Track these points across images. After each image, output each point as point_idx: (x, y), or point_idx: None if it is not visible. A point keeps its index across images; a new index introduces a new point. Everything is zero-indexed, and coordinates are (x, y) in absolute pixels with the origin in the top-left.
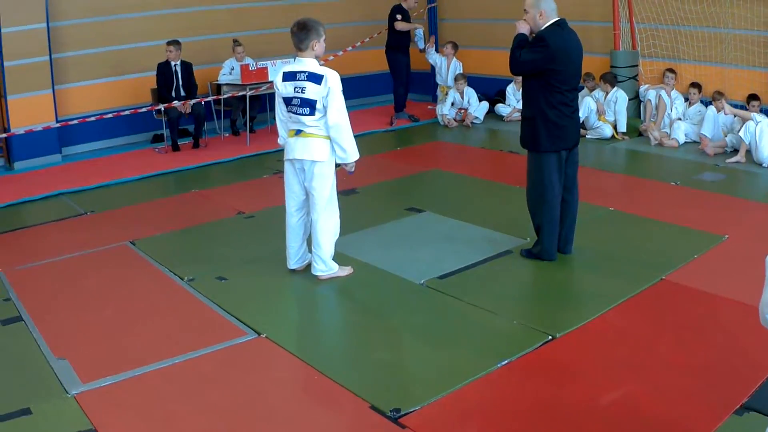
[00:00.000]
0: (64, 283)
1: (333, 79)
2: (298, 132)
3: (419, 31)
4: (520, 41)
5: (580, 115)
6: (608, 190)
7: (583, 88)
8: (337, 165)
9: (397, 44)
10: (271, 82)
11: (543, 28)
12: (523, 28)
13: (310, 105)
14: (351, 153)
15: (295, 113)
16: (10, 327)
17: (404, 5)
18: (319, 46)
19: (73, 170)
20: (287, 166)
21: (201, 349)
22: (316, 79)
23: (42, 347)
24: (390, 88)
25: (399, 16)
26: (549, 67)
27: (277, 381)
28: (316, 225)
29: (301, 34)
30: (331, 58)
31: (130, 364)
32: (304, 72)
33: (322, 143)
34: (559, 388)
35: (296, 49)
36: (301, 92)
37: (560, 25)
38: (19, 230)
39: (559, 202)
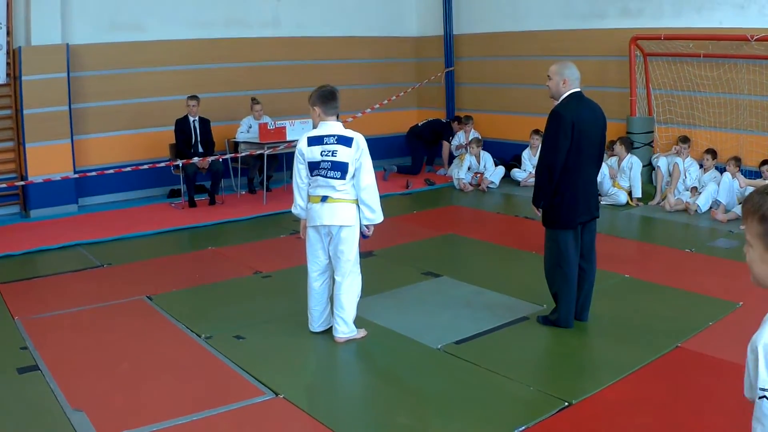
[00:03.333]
0: (81, 335)
1: (363, 141)
2: (324, 198)
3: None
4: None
5: None
6: (623, 257)
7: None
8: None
9: (426, 138)
10: (289, 141)
11: (561, 99)
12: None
13: (341, 169)
14: (379, 214)
15: (324, 176)
16: (27, 376)
17: (453, 127)
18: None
19: (90, 221)
20: (311, 232)
21: (218, 408)
22: (346, 141)
23: (59, 397)
24: (405, 152)
25: (452, 139)
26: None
27: None
28: (341, 287)
29: (334, 101)
30: (350, 119)
31: (147, 419)
32: (333, 135)
33: (349, 207)
34: None
35: (326, 114)
36: (331, 155)
37: (576, 96)
38: (35, 279)
39: (576, 271)
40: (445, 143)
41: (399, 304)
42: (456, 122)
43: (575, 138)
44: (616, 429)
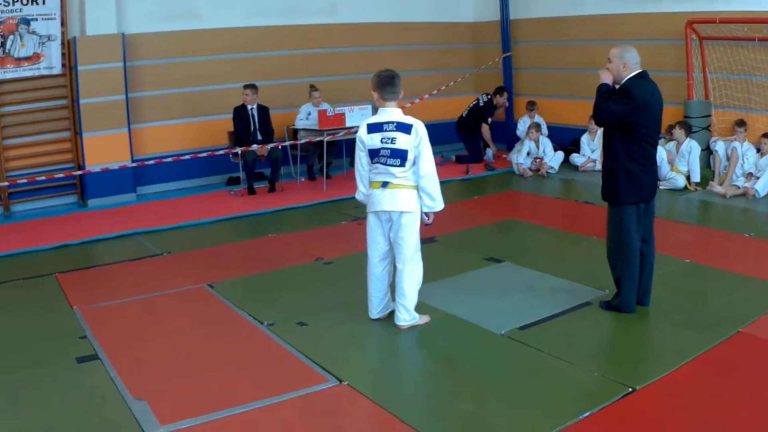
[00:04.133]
0: (140, 323)
1: (422, 129)
2: (385, 184)
3: (490, 151)
4: (604, 92)
5: None
6: (683, 242)
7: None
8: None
9: (473, 125)
10: (349, 128)
11: (626, 79)
12: (607, 78)
13: (401, 156)
14: (439, 202)
15: (384, 164)
16: (87, 365)
17: (495, 102)
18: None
19: (148, 210)
20: (371, 218)
21: (281, 395)
22: (405, 128)
23: (119, 386)
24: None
25: (490, 120)
26: (633, 119)
27: (359, 429)
28: (402, 274)
29: (393, 86)
30: (408, 105)
31: (210, 407)
32: (392, 122)
33: (410, 194)
34: None
35: (385, 99)
36: (391, 143)
37: (643, 77)
38: (94, 268)
39: (638, 255)
40: (485, 125)
41: (461, 289)
42: (497, 95)
43: (645, 118)
44: (680, 415)
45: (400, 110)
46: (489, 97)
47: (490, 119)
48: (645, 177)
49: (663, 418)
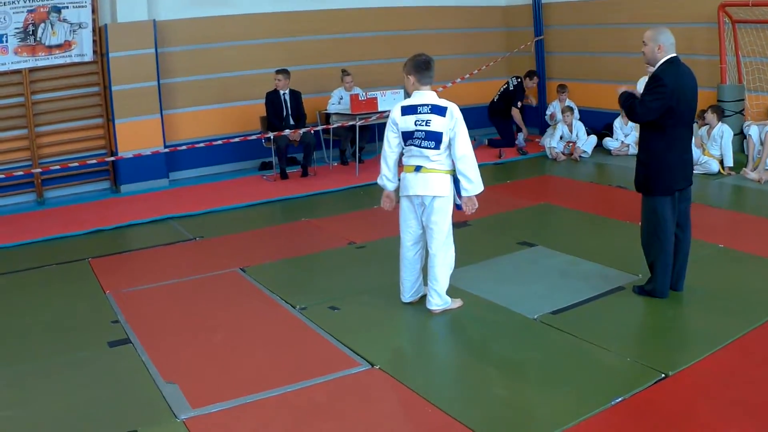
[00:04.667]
0: (173, 307)
1: (457, 111)
2: (418, 168)
3: (522, 135)
4: (628, 96)
5: None
6: (716, 227)
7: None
8: (458, 206)
9: (505, 109)
10: (381, 112)
11: (658, 64)
12: (622, 89)
13: (436, 138)
14: (478, 183)
15: (419, 146)
16: (118, 349)
17: (525, 85)
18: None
19: (181, 195)
20: (404, 202)
21: (314, 379)
22: (440, 111)
23: (150, 370)
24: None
25: (519, 104)
26: (667, 107)
27: (392, 413)
28: (435, 259)
29: (429, 70)
30: (441, 89)
31: (241, 390)
32: (427, 105)
33: (443, 178)
34: (674, 428)
35: (420, 83)
36: (425, 125)
37: (674, 62)
38: (126, 253)
39: (672, 240)
40: (515, 109)
41: (494, 274)
42: (527, 78)
43: (676, 105)
44: (713, 401)
45: (434, 93)
46: (519, 80)
47: (520, 103)
48: (679, 165)
49: (696, 405)
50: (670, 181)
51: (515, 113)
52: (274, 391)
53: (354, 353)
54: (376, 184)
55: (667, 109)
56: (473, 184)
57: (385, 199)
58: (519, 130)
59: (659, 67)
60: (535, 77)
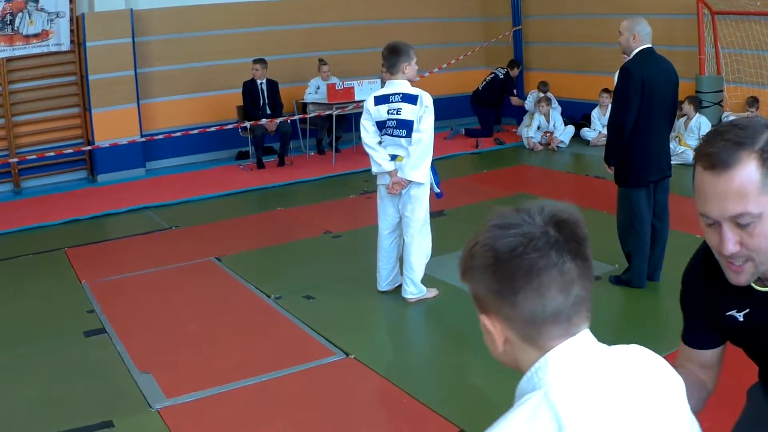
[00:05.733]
0: (148, 297)
1: (428, 99)
2: (393, 157)
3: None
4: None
5: None
6: (693, 217)
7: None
8: (437, 194)
9: (489, 100)
10: (358, 101)
11: (632, 54)
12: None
13: (407, 126)
14: (414, 168)
15: (391, 135)
16: (94, 339)
17: (512, 74)
18: (410, 68)
19: (157, 184)
20: (382, 190)
21: (288, 368)
22: (411, 99)
23: (125, 360)
24: (472, 113)
25: (515, 91)
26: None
27: (366, 403)
28: (410, 247)
29: (392, 57)
30: (417, 79)
31: (216, 380)
32: (398, 93)
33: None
34: None
35: (387, 73)
36: (396, 113)
37: (647, 52)
38: (102, 243)
39: (648, 230)
40: (513, 98)
41: None
42: (514, 68)
43: (646, 95)
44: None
45: (407, 83)
46: (506, 70)
47: (515, 90)
48: (653, 157)
49: None
50: (645, 173)
51: (515, 100)
52: (249, 380)
53: (329, 342)
54: (354, 173)
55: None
56: (410, 165)
57: (395, 185)
58: (498, 122)
59: (632, 57)
60: (516, 67)
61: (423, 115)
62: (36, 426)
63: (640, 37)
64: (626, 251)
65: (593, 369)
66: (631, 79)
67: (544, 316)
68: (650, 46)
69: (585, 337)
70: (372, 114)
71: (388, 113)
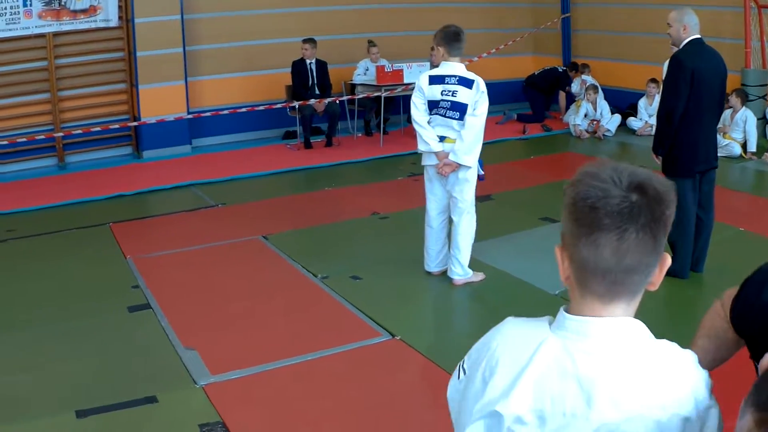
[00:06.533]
0: (194, 274)
1: (483, 85)
2: (442, 138)
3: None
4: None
5: None
6: (737, 210)
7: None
8: (480, 177)
9: (542, 87)
10: (406, 84)
11: (682, 45)
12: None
13: (461, 109)
14: (467, 152)
15: (444, 116)
16: (138, 314)
17: (571, 75)
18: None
19: (204, 162)
20: (431, 171)
21: (334, 348)
22: (467, 83)
23: (170, 336)
24: (518, 99)
25: (567, 89)
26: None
27: (411, 384)
28: (458, 228)
29: (460, 42)
30: (466, 63)
31: (261, 358)
32: (455, 76)
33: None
34: None
35: (450, 54)
36: (451, 95)
37: (696, 43)
38: (147, 218)
39: (693, 221)
40: (562, 93)
41: (516, 248)
42: (573, 71)
43: (695, 86)
44: (727, 382)
45: (463, 66)
46: (566, 69)
47: (568, 88)
48: (700, 148)
49: (716, 384)
50: (692, 163)
51: (562, 96)
52: (294, 359)
53: (375, 323)
54: (401, 155)
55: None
56: (463, 150)
57: (445, 167)
58: (546, 109)
59: (681, 48)
60: (577, 72)
61: (478, 100)
62: (79, 400)
63: (690, 27)
64: (671, 241)
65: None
66: (682, 69)
67: (594, 269)
68: (699, 36)
69: (621, 324)
70: (425, 92)
71: (442, 94)
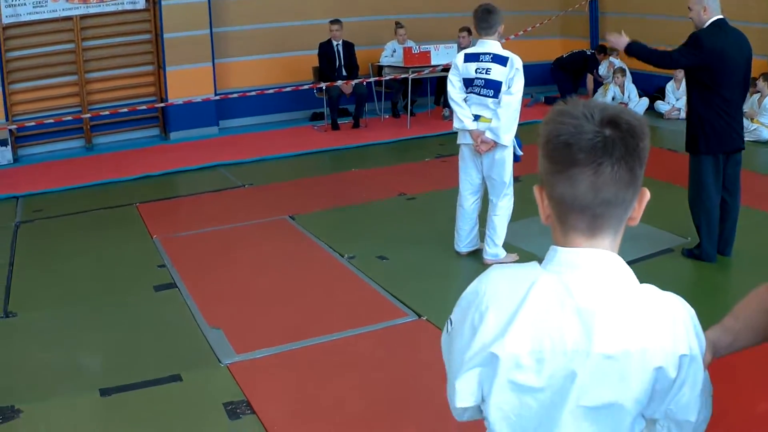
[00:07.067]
0: (219, 253)
1: (518, 62)
2: (477, 117)
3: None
4: (640, 47)
5: None
6: (765, 194)
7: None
8: (516, 158)
9: (569, 69)
10: (434, 66)
11: (704, 26)
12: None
13: (495, 87)
14: (504, 131)
15: (478, 94)
16: (164, 293)
17: (599, 58)
18: (501, 29)
19: (230, 143)
20: (465, 151)
21: (359, 328)
22: (501, 60)
23: (195, 315)
24: (546, 81)
25: (595, 71)
26: (703, 68)
27: (436, 364)
28: (495, 208)
29: (490, 18)
30: (502, 41)
31: (286, 337)
32: (489, 54)
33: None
34: (721, 390)
35: (480, 33)
36: (485, 73)
37: (719, 25)
38: (174, 199)
39: (716, 204)
40: (590, 76)
41: (546, 230)
42: (601, 54)
43: (715, 65)
44: (756, 365)
45: (498, 44)
46: (594, 52)
47: (595, 71)
48: (722, 127)
49: (737, 368)
50: (713, 141)
51: (590, 80)
52: (320, 338)
53: (401, 303)
54: (428, 137)
55: (706, 69)
56: (502, 129)
57: (481, 145)
58: (574, 91)
59: (703, 29)
60: (605, 55)
61: (514, 77)
62: (105, 378)
63: (710, 8)
64: (696, 224)
65: (585, 282)
66: (697, 46)
67: (572, 205)
68: (722, 17)
69: (600, 255)
70: (460, 70)
71: (476, 72)
